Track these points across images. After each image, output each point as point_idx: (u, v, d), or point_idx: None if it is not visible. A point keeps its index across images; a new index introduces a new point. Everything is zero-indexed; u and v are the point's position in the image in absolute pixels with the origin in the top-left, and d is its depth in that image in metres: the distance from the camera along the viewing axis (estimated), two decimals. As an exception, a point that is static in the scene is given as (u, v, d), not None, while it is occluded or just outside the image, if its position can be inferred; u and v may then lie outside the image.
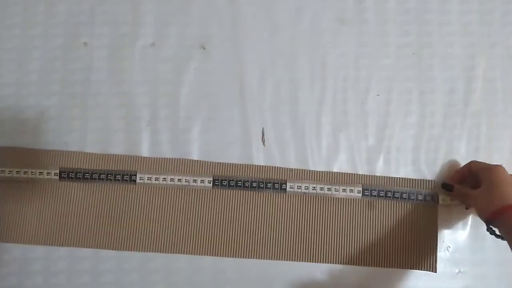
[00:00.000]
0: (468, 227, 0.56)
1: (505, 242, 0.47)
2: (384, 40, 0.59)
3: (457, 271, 0.55)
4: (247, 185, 0.55)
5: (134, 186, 0.55)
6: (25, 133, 0.56)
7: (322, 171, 0.56)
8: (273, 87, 0.57)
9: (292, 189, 0.55)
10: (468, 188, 0.53)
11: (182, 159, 0.55)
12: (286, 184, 0.55)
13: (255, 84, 0.57)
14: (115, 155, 0.55)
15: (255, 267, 0.54)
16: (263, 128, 0.57)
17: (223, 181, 0.55)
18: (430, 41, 0.59)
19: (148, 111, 0.56)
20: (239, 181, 0.55)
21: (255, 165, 0.56)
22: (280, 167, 0.56)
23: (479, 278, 0.55)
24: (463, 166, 0.55)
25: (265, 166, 0.56)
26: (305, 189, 0.55)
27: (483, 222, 0.49)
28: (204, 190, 0.55)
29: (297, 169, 0.56)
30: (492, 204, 0.49)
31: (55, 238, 0.54)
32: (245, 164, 0.56)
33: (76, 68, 0.57)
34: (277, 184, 0.55)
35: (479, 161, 0.54)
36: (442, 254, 0.55)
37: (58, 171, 0.54)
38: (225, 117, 0.57)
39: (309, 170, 0.56)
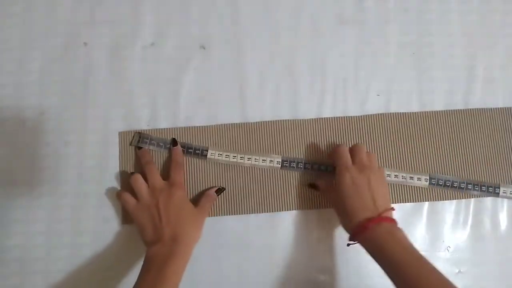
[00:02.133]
0: (468, 227, 0.56)
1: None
2: (384, 40, 0.59)
3: (457, 271, 0.55)
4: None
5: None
6: (25, 133, 0.56)
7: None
8: (273, 87, 0.58)
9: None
10: (329, 187, 0.52)
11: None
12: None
13: (255, 84, 0.57)
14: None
15: (255, 267, 0.54)
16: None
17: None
18: (430, 41, 0.59)
19: (148, 111, 0.57)
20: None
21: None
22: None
23: (479, 278, 0.55)
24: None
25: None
26: None
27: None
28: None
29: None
30: (348, 220, 0.47)
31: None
32: None
33: (76, 68, 0.57)
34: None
35: (343, 147, 0.52)
36: (442, 254, 0.55)
37: (280, 160, 0.55)
38: (225, 117, 0.57)
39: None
